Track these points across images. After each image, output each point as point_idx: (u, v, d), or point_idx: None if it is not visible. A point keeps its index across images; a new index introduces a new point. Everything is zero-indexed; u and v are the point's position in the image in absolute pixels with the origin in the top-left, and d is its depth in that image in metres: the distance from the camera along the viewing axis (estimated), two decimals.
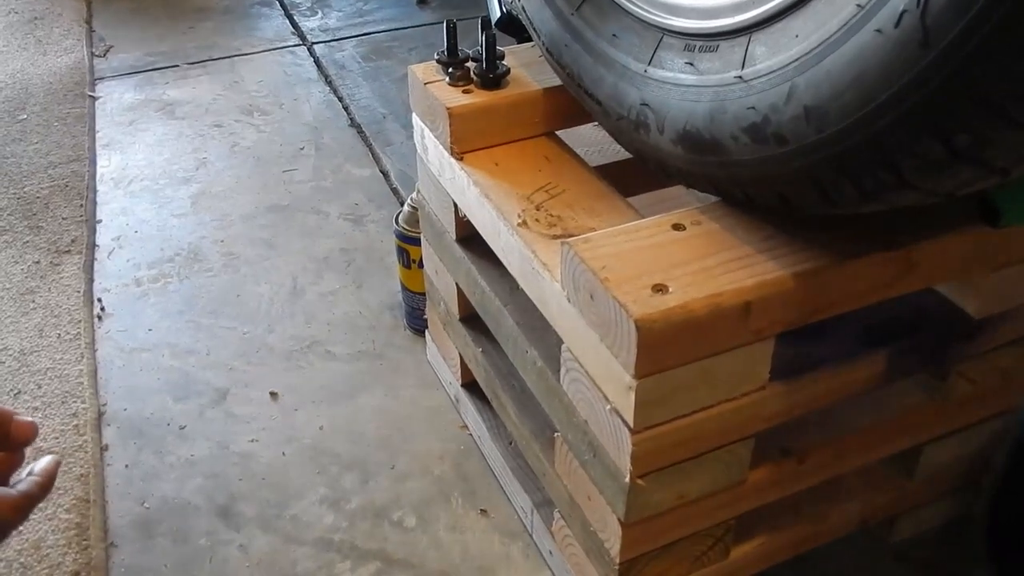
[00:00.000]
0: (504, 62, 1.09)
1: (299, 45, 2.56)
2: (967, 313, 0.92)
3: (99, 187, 1.92)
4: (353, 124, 2.13)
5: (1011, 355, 0.99)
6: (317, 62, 2.44)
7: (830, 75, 0.65)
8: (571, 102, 1.06)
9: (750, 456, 0.90)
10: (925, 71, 0.58)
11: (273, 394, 1.38)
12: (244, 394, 1.38)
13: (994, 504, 1.13)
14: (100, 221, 1.81)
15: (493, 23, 1.91)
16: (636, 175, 1.07)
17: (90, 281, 1.63)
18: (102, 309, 1.57)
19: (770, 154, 0.73)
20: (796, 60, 0.68)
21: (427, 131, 1.12)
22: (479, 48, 1.10)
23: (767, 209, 0.81)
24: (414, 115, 1.16)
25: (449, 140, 1.05)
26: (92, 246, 1.72)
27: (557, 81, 1.07)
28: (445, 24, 1.08)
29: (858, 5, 0.62)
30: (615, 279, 0.77)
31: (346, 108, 2.20)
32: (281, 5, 2.83)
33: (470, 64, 1.09)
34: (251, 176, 1.94)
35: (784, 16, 0.71)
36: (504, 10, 1.85)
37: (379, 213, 1.80)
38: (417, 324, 1.47)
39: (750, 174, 0.77)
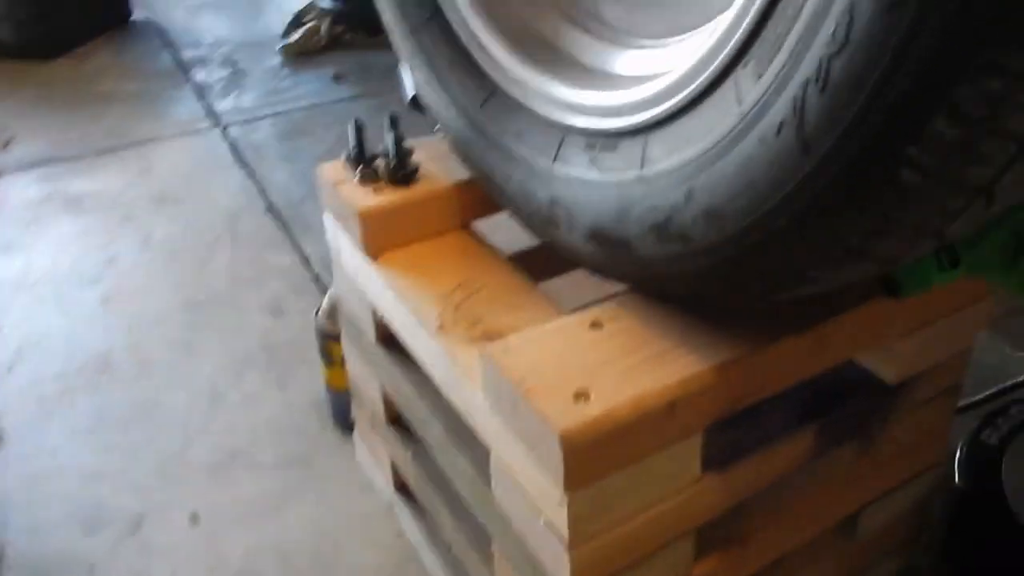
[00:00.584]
0: (414, 157, 1.13)
1: (213, 128, 2.58)
2: (884, 380, 0.97)
3: None
4: (271, 209, 2.15)
5: (931, 412, 1.05)
6: (232, 145, 2.46)
7: (724, 179, 0.69)
8: (484, 197, 1.10)
9: (693, 550, 0.93)
10: (809, 176, 0.62)
11: (194, 516, 1.36)
12: (162, 519, 1.36)
13: (939, 556, 1.17)
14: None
15: (406, 101, 1.96)
16: (557, 258, 1.11)
17: None
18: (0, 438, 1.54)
19: (676, 252, 0.77)
20: (692, 162, 0.72)
21: (340, 232, 1.14)
22: (388, 146, 1.14)
23: (681, 301, 0.85)
24: (326, 214, 1.18)
25: (363, 241, 1.07)
26: None
27: (467, 174, 1.10)
28: (353, 124, 1.12)
29: (740, 114, 0.66)
30: (537, 389, 0.79)
31: (263, 192, 2.22)
32: (193, 86, 2.85)
33: (379, 162, 1.12)
34: (164, 272, 1.94)
35: (677, 118, 0.75)
36: (412, 93, 1.89)
37: (301, 303, 1.81)
38: (345, 423, 1.47)
39: (660, 271, 0.81)
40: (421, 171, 1.12)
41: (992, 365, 1.51)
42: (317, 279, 1.88)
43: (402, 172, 1.09)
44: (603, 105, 0.86)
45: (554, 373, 0.81)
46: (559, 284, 1.24)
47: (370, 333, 1.16)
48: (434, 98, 1.08)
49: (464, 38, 1.02)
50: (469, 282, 1.03)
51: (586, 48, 0.95)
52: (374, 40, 3.16)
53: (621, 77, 0.89)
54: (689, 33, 0.83)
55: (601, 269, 0.90)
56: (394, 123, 1.11)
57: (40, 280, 1.94)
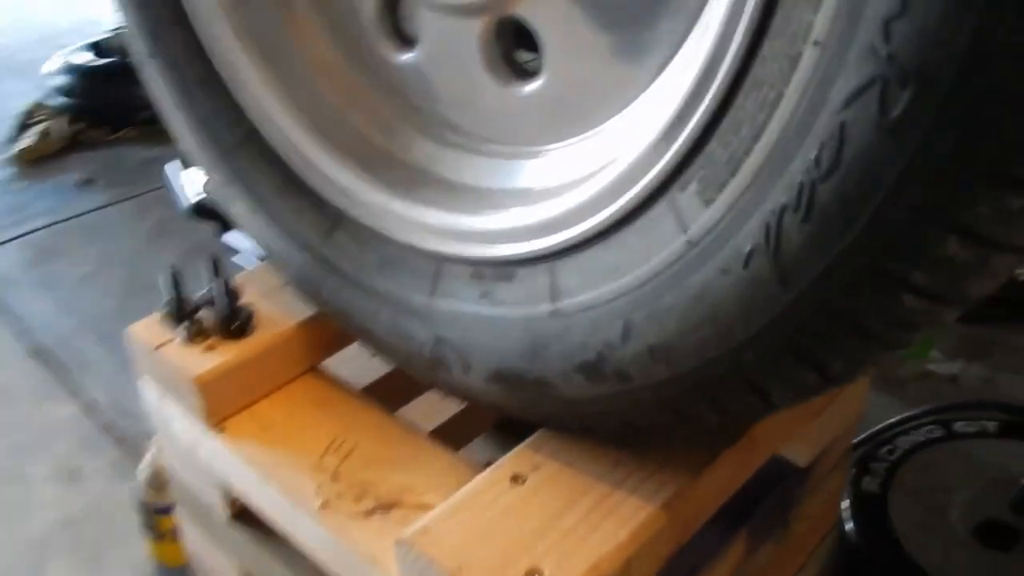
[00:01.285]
0: (244, 300, 0.95)
1: None
2: (796, 464, 0.92)
3: None
4: (37, 351, 1.83)
5: (833, 481, 1.02)
6: None
7: (674, 313, 0.59)
8: (329, 330, 0.95)
9: None
10: (790, 310, 0.54)
11: None
12: None
13: None
14: None
15: (182, 210, 1.75)
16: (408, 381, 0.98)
17: None
18: None
19: (612, 391, 0.67)
20: (626, 295, 0.63)
21: (168, 401, 0.94)
22: (210, 290, 0.96)
23: (609, 435, 0.75)
24: (145, 381, 0.98)
25: (203, 412, 0.89)
26: None
27: (309, 310, 0.95)
28: (168, 274, 0.93)
29: (688, 243, 0.57)
30: None
31: (24, 332, 1.90)
32: None
33: (204, 313, 0.94)
34: None
35: (590, 246, 0.66)
36: (188, 201, 1.69)
37: (98, 461, 1.54)
38: None
39: (591, 410, 0.71)
40: (256, 315, 0.95)
41: None
42: (111, 427, 1.62)
43: (236, 323, 0.92)
44: (485, 229, 0.75)
45: (493, 554, 0.68)
46: (416, 408, 1.11)
47: (220, 511, 0.97)
48: (263, 231, 0.92)
49: (293, 161, 0.87)
50: (339, 440, 0.87)
51: (446, 161, 0.83)
52: (118, 136, 2.87)
53: (499, 193, 0.77)
54: (576, 139, 0.73)
55: (509, 410, 0.78)
56: (217, 267, 0.94)
57: None
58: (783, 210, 0.51)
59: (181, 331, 0.92)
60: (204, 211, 1.74)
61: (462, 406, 1.14)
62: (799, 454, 0.92)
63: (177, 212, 1.71)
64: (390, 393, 1.02)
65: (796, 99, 0.49)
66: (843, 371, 0.56)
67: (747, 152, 0.52)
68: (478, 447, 1.23)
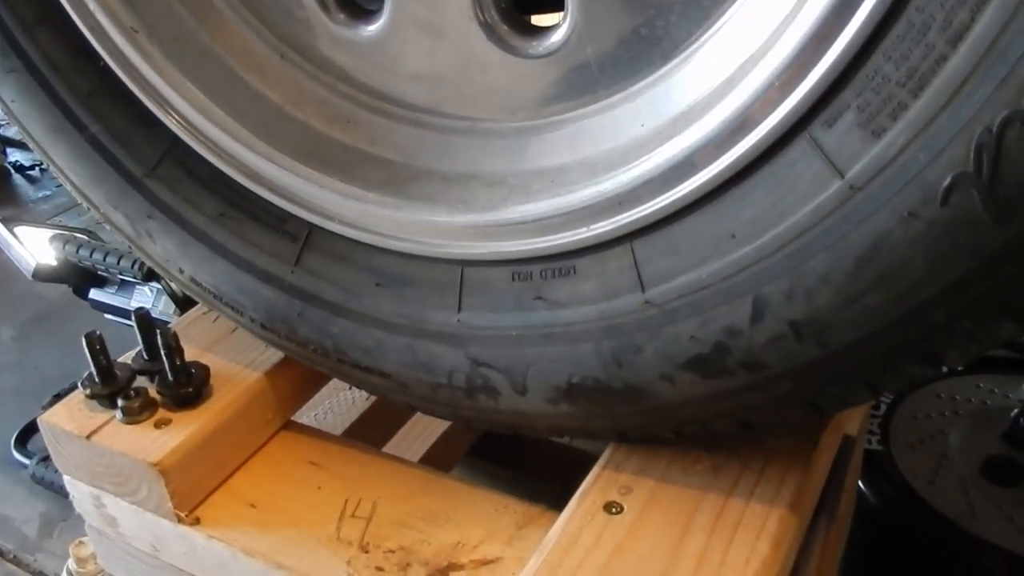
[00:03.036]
0: (188, 357, 0.76)
1: None
2: (849, 435, 0.84)
3: None
4: None
5: (860, 446, 0.94)
6: None
7: (830, 280, 0.48)
8: (300, 375, 0.78)
9: None
10: (1004, 250, 0.44)
11: None
12: None
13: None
14: None
15: (29, 275, 1.47)
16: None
17: None
18: None
19: (737, 385, 0.54)
20: (750, 267, 0.51)
21: (112, 499, 0.73)
22: (141, 352, 0.75)
23: (707, 439, 0.63)
24: (72, 481, 0.76)
25: (170, 504, 0.69)
26: None
27: (274, 356, 0.77)
28: (86, 341, 0.71)
29: (850, 187, 0.46)
30: None
31: None
32: None
33: (143, 382, 0.73)
34: None
35: (687, 216, 0.53)
36: (37, 261, 1.42)
37: None
38: None
39: (698, 413, 0.58)
40: (208, 374, 0.75)
41: None
42: (17, 561, 1.31)
43: (187, 387, 0.72)
44: (522, 218, 0.60)
45: None
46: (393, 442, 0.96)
47: None
48: (203, 270, 0.73)
49: (238, 176, 0.69)
50: (352, 503, 0.70)
51: (437, 150, 0.67)
52: None
53: (534, 173, 0.63)
54: (649, 77, 0.59)
55: (572, 431, 0.64)
56: (146, 324, 0.73)
57: None
58: (1006, 123, 0.40)
59: (119, 409, 0.71)
60: (45, 276, 1.46)
61: (439, 432, 0.99)
62: (852, 424, 0.84)
63: (27, 275, 1.42)
64: (371, 434, 0.86)
65: None
66: None
67: (941, 59, 0.42)
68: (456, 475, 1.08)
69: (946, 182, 0.43)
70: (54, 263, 1.39)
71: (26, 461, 1.42)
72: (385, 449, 0.91)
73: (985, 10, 0.40)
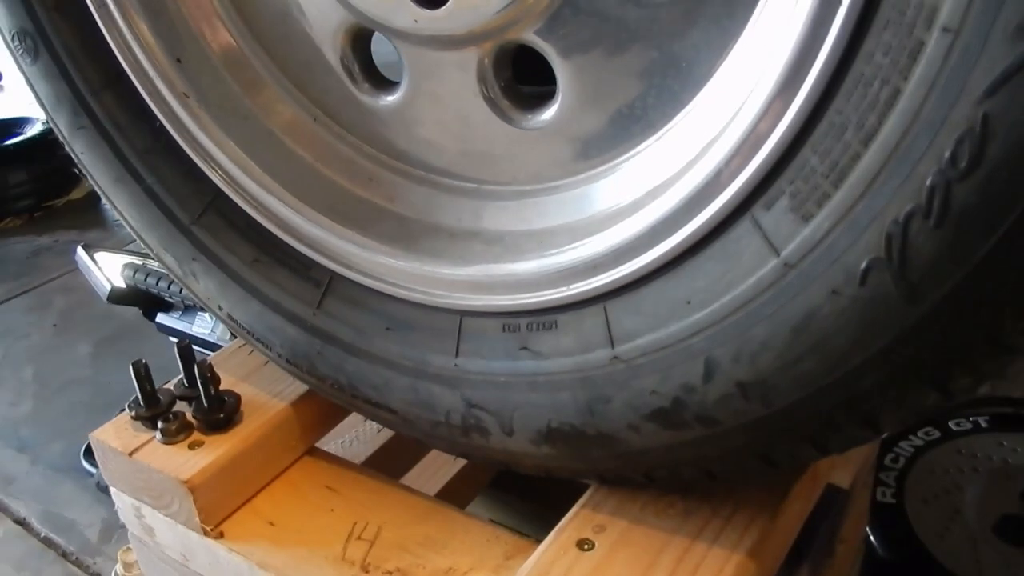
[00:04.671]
0: (223, 386, 0.84)
1: None
2: (839, 487, 0.87)
3: None
4: None
5: (862, 497, 0.97)
6: None
7: (770, 346, 0.53)
8: (322, 407, 0.85)
9: None
10: (915, 327, 0.48)
11: None
12: None
13: None
14: None
15: (105, 298, 1.59)
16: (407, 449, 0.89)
17: None
18: None
19: (694, 437, 0.59)
20: (702, 330, 0.56)
21: (150, 511, 0.81)
22: (182, 380, 0.84)
23: (676, 485, 0.67)
24: (117, 492, 0.84)
25: (197, 518, 0.76)
26: None
27: (299, 388, 0.84)
28: (133, 369, 0.80)
29: (784, 265, 0.51)
30: None
31: None
32: None
33: (182, 407, 0.82)
34: None
35: (652, 281, 0.58)
36: (113, 285, 1.54)
37: None
38: None
39: (663, 461, 0.63)
40: (240, 402, 0.83)
41: None
42: (49, 542, 1.43)
43: (220, 413, 0.80)
44: (512, 276, 0.66)
45: None
46: (409, 475, 1.02)
47: None
48: (238, 308, 0.81)
49: (269, 224, 0.77)
50: (360, 526, 0.77)
51: (445, 208, 0.74)
52: None
53: (524, 235, 0.69)
54: (625, 156, 0.65)
55: (557, 471, 0.69)
56: (188, 356, 0.82)
57: None
58: (909, 217, 0.45)
59: (159, 431, 0.79)
60: (120, 298, 1.58)
61: (458, 467, 1.05)
62: (843, 477, 0.87)
63: (98, 298, 1.54)
64: (390, 464, 0.92)
65: (921, 93, 0.43)
66: (968, 386, 0.51)
67: (855, 158, 0.46)
68: (475, 510, 1.13)
69: (863, 264, 0.47)
70: (126, 287, 1.51)
71: (93, 470, 1.53)
72: (405, 480, 0.97)
73: (890, 116, 0.44)
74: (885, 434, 0.56)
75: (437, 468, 1.06)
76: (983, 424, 1.26)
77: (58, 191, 2.70)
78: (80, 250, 1.62)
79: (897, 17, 0.43)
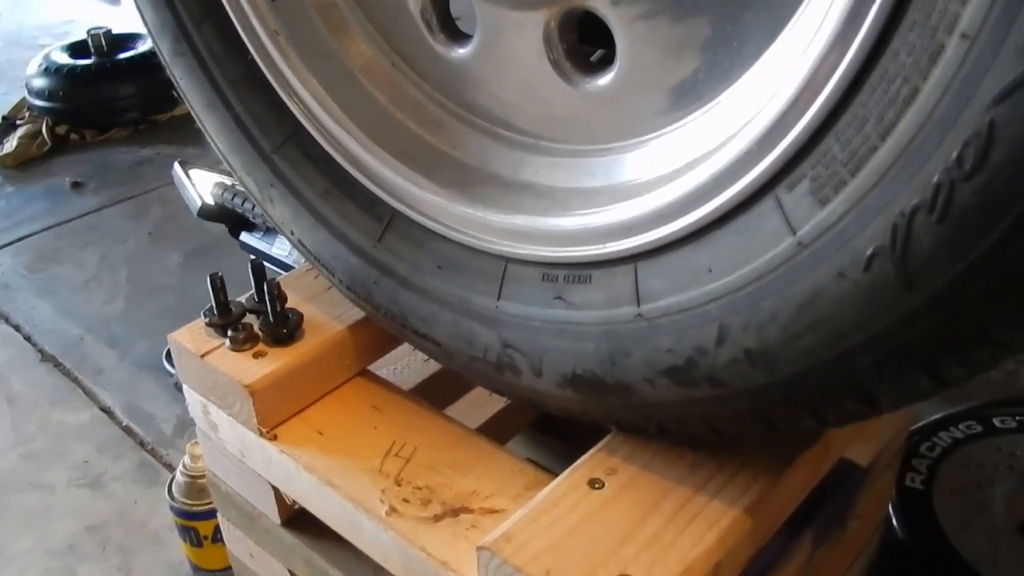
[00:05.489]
0: (289, 304, 0.91)
1: None
2: (856, 463, 0.89)
3: None
4: (45, 357, 1.76)
5: (885, 478, 0.99)
6: None
7: (777, 319, 0.56)
8: (377, 333, 0.91)
9: None
10: (911, 315, 0.50)
11: None
12: None
13: None
14: None
15: (195, 213, 1.69)
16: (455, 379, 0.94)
17: None
18: None
19: (702, 396, 0.63)
20: (719, 298, 0.59)
21: (215, 409, 0.89)
22: (254, 297, 0.91)
23: (688, 439, 0.71)
24: (188, 389, 0.93)
25: (255, 420, 0.84)
26: None
27: (358, 314, 0.90)
28: (210, 280, 0.88)
29: (799, 244, 0.54)
30: None
31: (28, 338, 1.82)
32: None
33: (251, 319, 0.89)
34: None
35: (679, 247, 0.62)
36: (203, 201, 1.63)
37: (119, 466, 1.47)
38: None
39: (674, 415, 0.67)
40: (303, 320, 0.90)
41: None
42: (129, 431, 1.55)
43: (284, 328, 0.87)
44: (554, 230, 0.71)
45: (580, 561, 0.64)
46: (458, 408, 1.08)
47: (272, 516, 0.92)
48: (308, 235, 0.87)
49: (341, 160, 0.82)
50: (398, 445, 0.83)
51: (504, 159, 0.78)
52: (106, 137, 2.78)
53: (572, 192, 0.73)
54: (664, 129, 0.68)
55: (580, 414, 0.74)
56: (260, 273, 0.89)
57: None
58: (915, 211, 0.48)
59: (228, 339, 0.87)
60: (209, 215, 1.68)
61: (502, 404, 1.10)
62: (861, 454, 0.89)
63: (189, 212, 1.64)
64: (436, 393, 0.98)
65: (937, 95, 0.45)
66: (961, 375, 0.53)
67: (872, 149, 0.49)
68: (514, 447, 1.19)
69: (869, 251, 0.50)
70: (215, 205, 1.60)
71: (172, 371, 1.65)
72: (449, 411, 1.03)
73: (907, 113, 0.47)
74: (883, 413, 0.58)
75: (481, 404, 1.12)
76: None
77: (161, 107, 2.82)
78: (176, 166, 1.72)
79: (923, 19, 0.45)
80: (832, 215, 0.52)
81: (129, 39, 2.92)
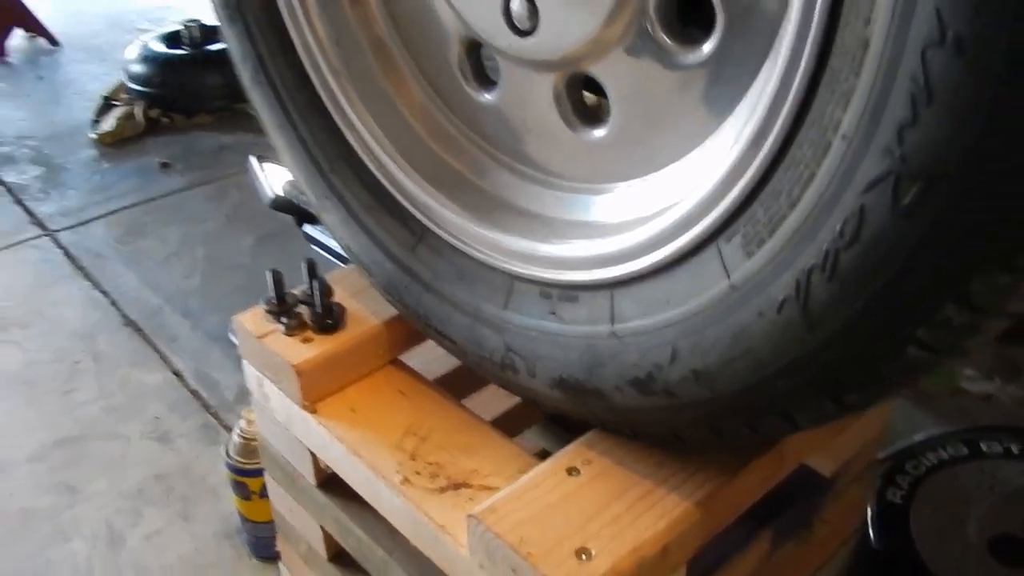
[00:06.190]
0: (335, 298, 1.05)
1: (41, 236, 2.33)
2: (821, 474, 1.00)
3: None
4: (128, 322, 1.96)
5: (856, 489, 1.09)
6: (67, 254, 2.24)
7: (716, 344, 0.68)
8: (408, 328, 1.05)
9: None
10: (814, 351, 0.62)
11: None
12: None
13: None
14: None
15: (267, 204, 1.85)
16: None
17: None
18: None
19: (660, 405, 0.76)
20: (675, 324, 0.71)
21: (268, 383, 1.05)
22: (307, 289, 1.06)
23: (654, 440, 0.84)
24: (246, 363, 1.08)
25: (300, 395, 0.99)
26: None
27: (392, 310, 1.05)
28: (271, 274, 1.03)
29: (730, 287, 0.66)
30: (537, 553, 0.75)
31: (115, 304, 2.03)
32: (7, 191, 2.57)
33: (302, 309, 1.04)
34: (26, 408, 1.72)
35: (646, 280, 0.74)
36: (274, 194, 1.80)
37: (186, 425, 1.66)
38: (265, 553, 1.37)
39: (639, 419, 0.80)
40: (346, 312, 1.05)
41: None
42: (196, 395, 1.74)
43: (329, 319, 1.02)
44: (553, 255, 0.83)
45: (550, 531, 0.77)
46: (482, 397, 1.21)
47: (309, 477, 1.08)
48: (353, 241, 1.02)
49: (384, 180, 0.97)
50: (416, 426, 0.97)
51: (519, 190, 0.92)
52: (193, 122, 2.99)
53: (566, 224, 0.86)
54: (643, 177, 0.81)
55: (568, 413, 0.87)
56: (312, 270, 1.04)
57: None
58: (812, 270, 0.59)
59: (282, 324, 1.02)
60: (280, 206, 1.84)
61: (514, 403, 1.24)
62: (824, 465, 1.00)
63: (261, 202, 1.81)
64: (458, 384, 1.12)
65: (826, 180, 0.57)
66: (857, 402, 0.65)
67: (784, 217, 0.61)
68: (531, 436, 1.32)
69: (781, 298, 0.62)
70: (285, 198, 1.77)
71: (237, 344, 1.82)
72: (468, 401, 1.17)
73: (807, 191, 0.59)
74: (801, 429, 0.70)
75: (503, 396, 1.26)
76: (1014, 451, 1.33)
77: (244, 97, 3.03)
78: (253, 159, 1.89)
79: (818, 120, 0.57)
80: (755, 265, 0.64)
81: (217, 30, 3.13)
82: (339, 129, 0.99)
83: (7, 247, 2.28)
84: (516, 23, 0.81)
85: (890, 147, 0.52)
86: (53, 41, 3.66)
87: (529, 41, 0.81)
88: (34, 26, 3.64)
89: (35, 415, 1.70)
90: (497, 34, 0.83)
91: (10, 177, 2.66)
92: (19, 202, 2.51)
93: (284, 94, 1.02)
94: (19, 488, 1.54)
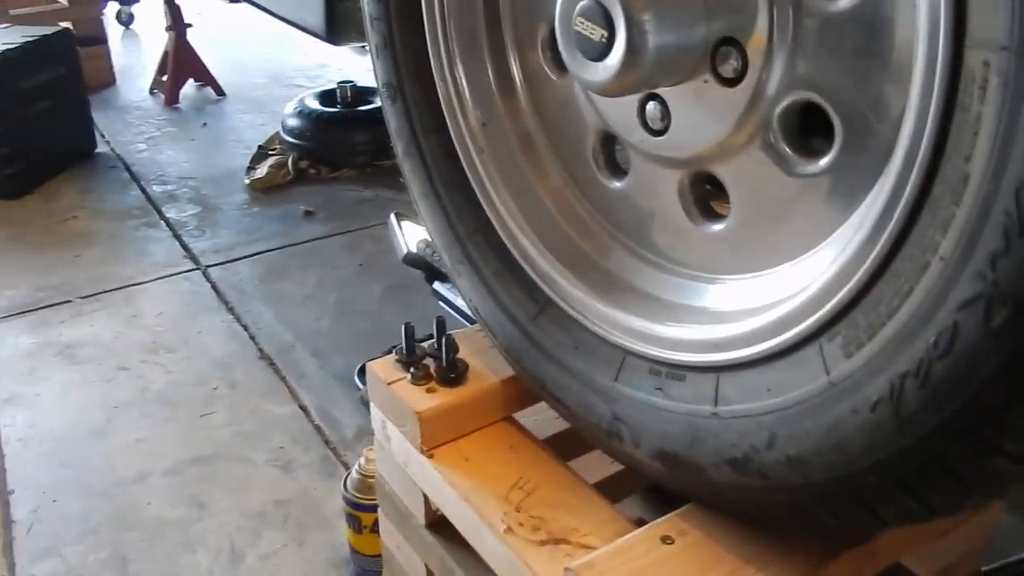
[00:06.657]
0: (459, 355, 1.14)
1: (193, 270, 2.54)
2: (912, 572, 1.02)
3: (5, 449, 1.81)
4: (263, 356, 2.12)
5: None
6: (215, 288, 2.43)
7: (811, 435, 0.73)
8: (524, 388, 1.12)
9: None
10: (904, 451, 0.66)
11: None
12: None
13: None
14: (12, 492, 1.70)
15: (400, 258, 1.99)
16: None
17: (12, 567, 1.52)
18: None
19: (753, 485, 0.80)
20: (774, 412, 0.76)
21: (391, 426, 1.14)
22: (436, 345, 1.15)
23: (746, 517, 0.88)
24: (373, 407, 1.18)
25: (419, 440, 1.08)
26: (7, 523, 1.61)
27: (510, 371, 1.13)
28: (405, 328, 1.13)
29: (828, 383, 0.71)
30: None
31: (253, 338, 2.19)
32: (168, 226, 2.81)
33: (429, 361, 1.13)
34: (167, 424, 1.88)
35: (750, 368, 0.80)
36: (408, 250, 1.92)
37: (307, 456, 1.78)
38: None
39: (733, 496, 0.84)
40: (468, 368, 1.13)
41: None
42: (319, 430, 1.86)
43: (453, 373, 1.11)
44: (667, 337, 0.90)
45: None
46: (587, 460, 1.27)
47: (419, 517, 1.16)
48: (482, 304, 1.11)
49: (516, 253, 1.06)
50: (523, 480, 1.04)
51: (638, 272, 0.99)
52: (338, 175, 3.20)
53: (680, 307, 0.93)
54: (757, 273, 0.87)
55: (666, 483, 0.93)
56: (441, 328, 1.13)
57: (46, 435, 1.86)
58: (905, 375, 0.64)
59: (410, 374, 1.12)
60: (412, 262, 1.97)
61: (617, 468, 1.29)
62: (921, 568, 1.01)
63: (395, 255, 1.94)
64: (566, 445, 1.18)
65: (923, 295, 0.62)
66: (942, 506, 0.68)
67: (883, 325, 0.66)
68: (630, 504, 1.37)
69: (875, 398, 0.67)
70: (418, 255, 1.89)
71: (360, 387, 1.94)
72: (574, 463, 1.23)
73: (905, 304, 0.64)
74: (888, 526, 0.73)
75: (607, 461, 1.31)
76: None
77: (388, 155, 3.22)
78: (392, 216, 2.03)
79: (920, 241, 0.62)
80: (853, 366, 0.69)
81: (369, 92, 3.36)
82: (479, 203, 1.09)
83: (164, 277, 2.50)
84: (649, 123, 0.90)
85: (983, 272, 0.57)
86: (220, 91, 3.99)
87: (659, 140, 0.89)
88: (205, 77, 3.99)
89: (175, 431, 1.86)
90: (631, 131, 0.91)
91: (171, 213, 2.91)
92: (177, 237, 2.74)
93: (432, 167, 1.13)
94: (156, 498, 1.68)
